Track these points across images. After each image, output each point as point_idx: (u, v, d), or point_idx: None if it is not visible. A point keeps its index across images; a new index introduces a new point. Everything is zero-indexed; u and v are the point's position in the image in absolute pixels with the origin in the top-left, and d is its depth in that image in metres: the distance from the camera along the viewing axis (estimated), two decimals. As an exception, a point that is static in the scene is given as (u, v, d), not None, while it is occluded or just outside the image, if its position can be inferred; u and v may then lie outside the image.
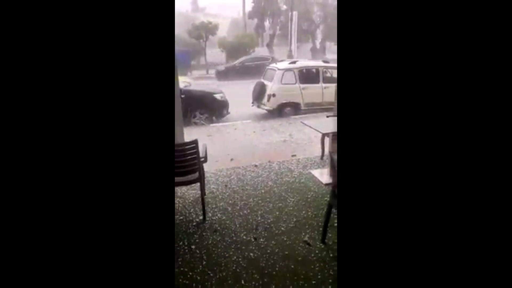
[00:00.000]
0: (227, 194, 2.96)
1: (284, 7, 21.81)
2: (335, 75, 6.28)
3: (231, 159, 3.93)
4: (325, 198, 2.75)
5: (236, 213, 2.60)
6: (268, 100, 6.35)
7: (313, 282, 1.80)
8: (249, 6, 23.09)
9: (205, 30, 17.11)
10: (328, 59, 8.71)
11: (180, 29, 17.83)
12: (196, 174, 2.45)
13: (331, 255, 2.04)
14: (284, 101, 6.38)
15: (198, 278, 1.86)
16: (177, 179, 2.40)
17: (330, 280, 1.81)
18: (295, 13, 15.43)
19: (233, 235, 2.30)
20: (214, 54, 18.35)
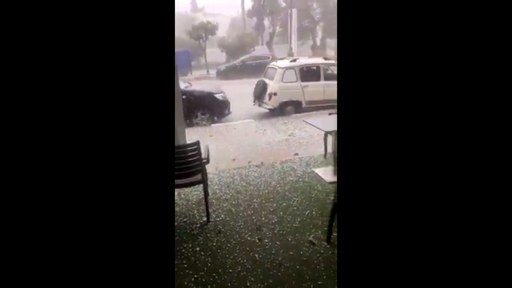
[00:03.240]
0: (231, 194, 2.95)
1: (283, 4, 21.72)
2: (336, 72, 6.24)
3: (233, 159, 3.91)
4: (329, 197, 2.72)
5: (240, 214, 2.59)
6: (270, 99, 6.33)
7: (319, 282, 1.79)
8: (248, 5, 23.05)
9: (204, 30, 17.06)
10: (328, 56, 8.65)
11: (180, 30, 17.79)
12: (199, 176, 2.44)
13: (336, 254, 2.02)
14: (286, 100, 6.35)
15: (203, 280, 1.85)
16: (180, 181, 2.39)
17: (336, 280, 1.79)
18: (294, 10, 15.33)
19: (237, 236, 2.29)
20: (215, 54, 18.31)
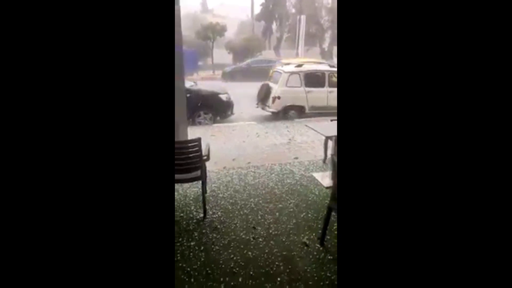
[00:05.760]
0: (228, 193, 2.98)
1: (293, 10, 21.90)
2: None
3: (233, 159, 3.95)
4: (326, 201, 2.75)
5: (237, 212, 2.62)
6: (273, 102, 6.38)
7: (310, 283, 1.81)
8: (257, 9, 23.24)
9: (212, 31, 17.22)
10: (334, 63, 8.68)
11: (189, 30, 17.94)
12: (198, 172, 2.48)
13: (328, 257, 2.04)
14: (289, 104, 6.40)
15: (196, 274, 1.88)
16: (179, 176, 2.43)
17: (327, 282, 1.82)
18: (303, 16, 15.43)
19: (232, 233, 2.32)
20: (221, 55, 18.46)
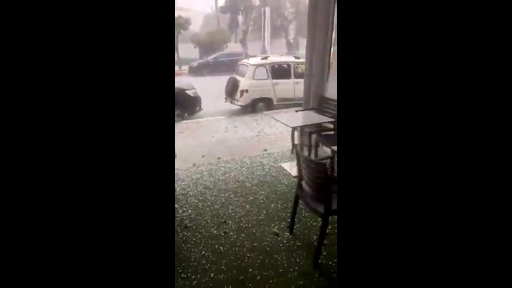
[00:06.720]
0: (198, 190, 2.95)
1: (257, 3, 21.79)
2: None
3: (203, 156, 3.91)
4: (294, 190, 2.83)
5: (207, 209, 2.62)
6: (241, 96, 6.36)
7: (280, 270, 1.87)
8: (222, 1, 22.83)
9: (176, 25, 16.66)
10: (300, 54, 8.82)
11: (150, 24, 17.11)
12: (164, 171, 2.42)
13: (298, 244, 2.12)
14: (257, 97, 6.42)
15: (167, 274, 1.85)
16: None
17: (296, 267, 1.89)
18: (267, 8, 15.47)
19: (203, 230, 2.31)
20: (187, 50, 17.97)
